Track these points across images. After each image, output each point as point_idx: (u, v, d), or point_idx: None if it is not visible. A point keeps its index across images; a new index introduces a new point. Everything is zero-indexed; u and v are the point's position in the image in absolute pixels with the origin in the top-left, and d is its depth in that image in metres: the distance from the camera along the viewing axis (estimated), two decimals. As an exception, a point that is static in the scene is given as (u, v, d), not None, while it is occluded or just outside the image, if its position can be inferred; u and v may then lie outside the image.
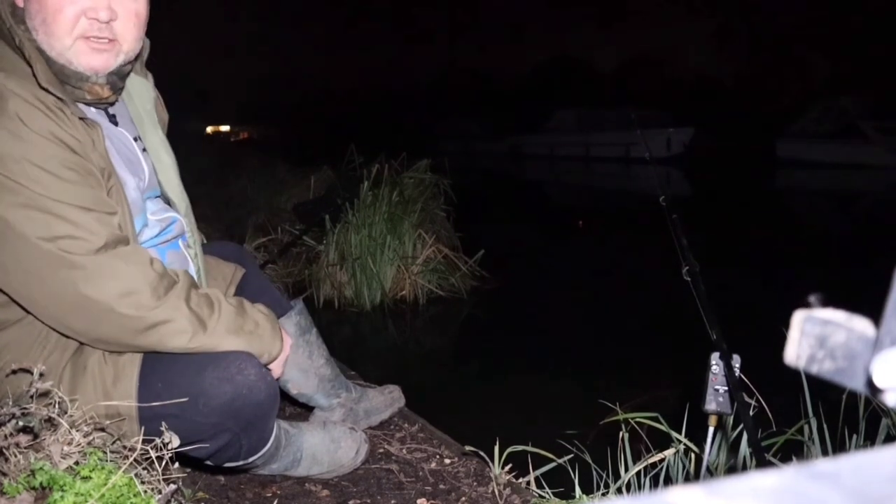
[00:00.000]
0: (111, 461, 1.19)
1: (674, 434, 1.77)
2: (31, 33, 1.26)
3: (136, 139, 1.49)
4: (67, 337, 1.31)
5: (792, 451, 1.85)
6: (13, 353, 1.30)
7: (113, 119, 1.44)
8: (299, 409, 2.20)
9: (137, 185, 1.41)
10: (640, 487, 1.75)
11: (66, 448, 1.16)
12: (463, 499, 1.75)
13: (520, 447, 1.80)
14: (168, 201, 1.55)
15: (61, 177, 1.21)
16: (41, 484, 1.06)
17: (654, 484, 1.77)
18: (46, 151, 1.20)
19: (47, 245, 1.19)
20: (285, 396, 1.95)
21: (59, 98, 1.24)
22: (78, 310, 1.24)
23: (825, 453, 1.84)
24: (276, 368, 1.49)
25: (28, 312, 1.29)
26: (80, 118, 1.27)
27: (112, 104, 1.42)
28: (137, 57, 1.43)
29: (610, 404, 1.93)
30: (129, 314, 1.25)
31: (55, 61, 1.27)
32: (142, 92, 1.53)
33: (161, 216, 1.50)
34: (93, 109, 1.38)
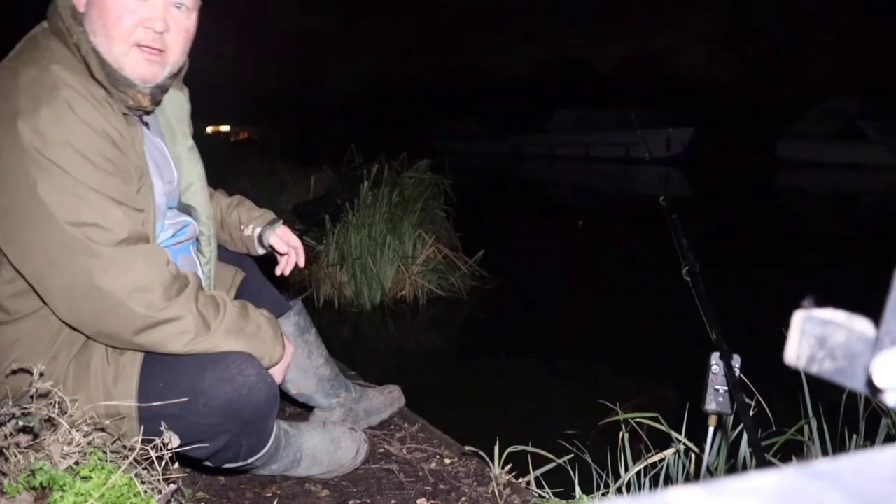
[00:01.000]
0: (111, 461, 1.19)
1: (674, 434, 1.77)
2: (89, 35, 1.32)
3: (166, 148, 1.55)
4: (75, 330, 1.32)
5: (792, 451, 1.85)
6: (24, 346, 1.32)
7: (146, 126, 1.48)
8: (299, 409, 2.20)
9: (164, 191, 1.46)
10: (640, 487, 1.75)
11: (66, 448, 1.16)
12: (463, 499, 1.76)
13: (520, 447, 1.79)
14: (188, 210, 1.58)
15: (99, 166, 1.25)
16: (41, 484, 1.06)
17: (654, 484, 1.77)
18: (89, 140, 1.24)
19: (73, 230, 1.22)
20: (285, 396, 1.95)
21: (108, 93, 1.30)
22: (87, 299, 1.25)
23: (825, 453, 1.84)
24: (276, 374, 1.49)
25: (43, 304, 1.30)
26: (124, 114, 1.33)
27: (148, 113, 1.47)
28: (178, 72, 1.49)
29: (610, 404, 1.93)
30: (137, 310, 1.26)
31: (108, 64, 1.32)
32: (178, 104, 1.58)
33: (174, 220, 1.53)
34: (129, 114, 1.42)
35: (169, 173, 1.50)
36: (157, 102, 1.45)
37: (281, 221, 1.82)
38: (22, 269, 1.27)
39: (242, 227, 1.78)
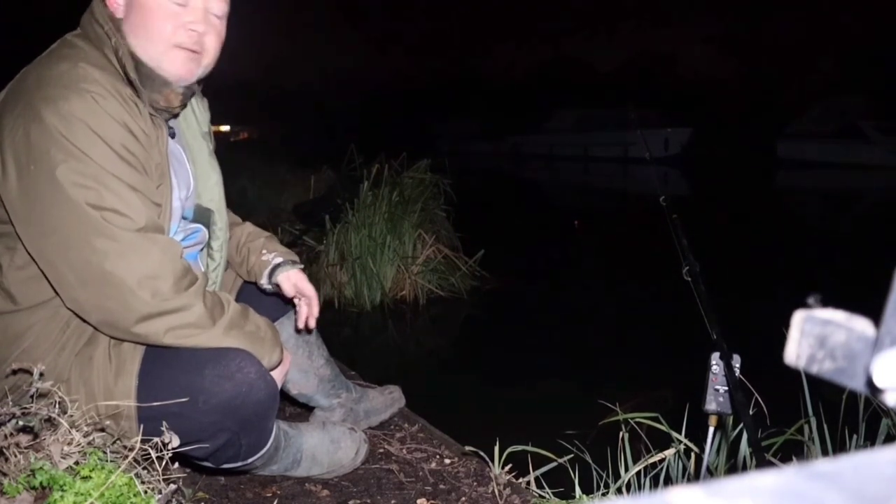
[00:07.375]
0: (111, 461, 1.19)
1: (674, 434, 1.77)
2: (128, 38, 1.37)
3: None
4: (84, 322, 1.32)
5: (792, 451, 1.85)
6: (35, 335, 1.33)
7: (171, 131, 1.50)
8: (299, 409, 2.20)
9: (180, 196, 1.47)
10: (640, 487, 1.75)
11: (66, 448, 1.16)
12: (463, 499, 1.76)
13: (520, 447, 1.80)
14: (207, 215, 1.60)
15: (121, 156, 1.28)
16: (41, 484, 1.06)
17: (654, 484, 1.77)
18: (113, 130, 1.28)
19: (94, 212, 1.24)
20: (285, 396, 1.95)
21: (136, 94, 1.34)
22: (96, 284, 1.25)
23: (825, 453, 1.84)
24: (275, 378, 1.49)
25: (53, 294, 1.31)
26: (151, 115, 1.36)
27: (174, 116, 1.49)
28: (202, 80, 1.52)
29: (610, 404, 1.93)
30: (144, 298, 1.25)
31: (145, 65, 1.37)
32: (199, 113, 1.61)
33: (186, 226, 1.54)
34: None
35: (186, 181, 1.52)
36: (184, 105, 1.47)
37: (302, 266, 1.77)
38: (36, 251, 1.27)
39: (264, 251, 1.74)
